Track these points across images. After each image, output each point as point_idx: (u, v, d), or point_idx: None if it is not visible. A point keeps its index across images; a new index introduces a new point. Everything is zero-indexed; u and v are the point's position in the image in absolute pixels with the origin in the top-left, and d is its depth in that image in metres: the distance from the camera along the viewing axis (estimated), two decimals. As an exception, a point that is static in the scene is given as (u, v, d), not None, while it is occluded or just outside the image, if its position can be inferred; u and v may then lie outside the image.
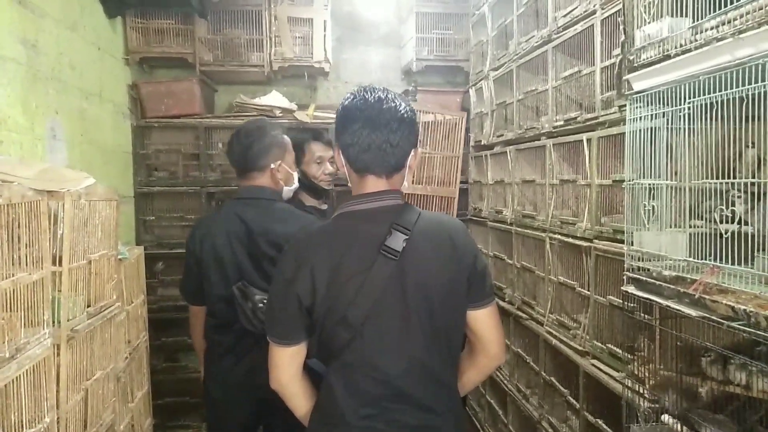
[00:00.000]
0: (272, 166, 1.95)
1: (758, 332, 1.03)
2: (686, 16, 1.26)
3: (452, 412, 1.31)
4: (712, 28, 1.17)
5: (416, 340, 1.24)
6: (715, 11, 1.17)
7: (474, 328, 1.33)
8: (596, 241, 1.85)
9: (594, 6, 1.84)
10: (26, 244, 1.28)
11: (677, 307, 1.25)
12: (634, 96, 1.45)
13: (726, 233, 1.16)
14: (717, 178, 1.25)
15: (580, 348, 1.96)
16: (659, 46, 1.34)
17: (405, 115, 1.28)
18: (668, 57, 1.31)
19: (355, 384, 1.25)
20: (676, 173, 1.36)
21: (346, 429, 1.24)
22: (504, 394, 2.75)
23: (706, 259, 1.21)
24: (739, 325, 1.07)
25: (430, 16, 3.46)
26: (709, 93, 1.18)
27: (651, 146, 1.41)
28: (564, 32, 2.07)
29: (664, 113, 1.35)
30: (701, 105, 1.21)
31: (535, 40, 2.32)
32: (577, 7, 1.97)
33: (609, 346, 1.78)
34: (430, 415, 1.26)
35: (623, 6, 1.56)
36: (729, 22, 1.11)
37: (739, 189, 1.20)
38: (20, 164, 1.51)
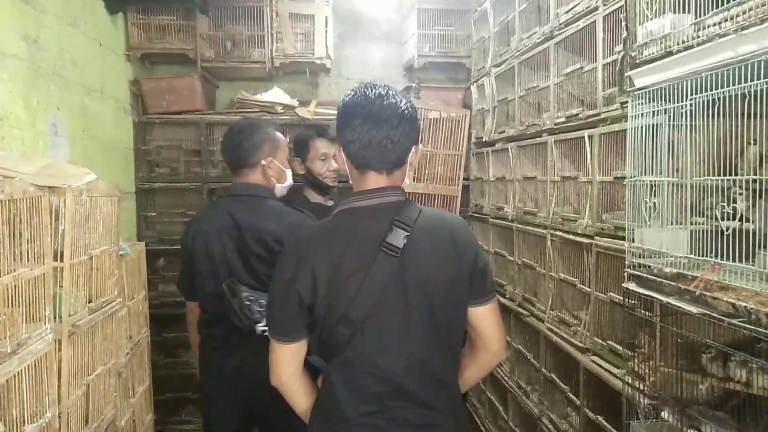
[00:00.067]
0: (263, 162, 1.96)
1: (759, 329, 1.03)
2: (688, 12, 1.26)
3: (453, 409, 1.31)
4: (714, 25, 1.16)
5: (417, 338, 1.24)
6: (717, 7, 1.16)
7: (475, 325, 1.33)
8: (597, 237, 1.85)
9: (596, 2, 1.84)
10: (28, 240, 1.28)
11: (678, 304, 1.24)
12: (636, 92, 1.44)
13: (727, 230, 1.15)
14: (718, 174, 1.25)
15: (581, 345, 1.96)
16: (661, 43, 1.34)
17: (406, 112, 1.28)
18: (670, 53, 1.30)
19: (356, 381, 1.25)
20: (677, 170, 1.36)
21: (347, 426, 1.24)
22: (504, 391, 2.75)
23: (707, 256, 1.21)
24: (739, 322, 1.07)
25: (432, 13, 3.45)
26: (711, 90, 1.18)
27: (652, 143, 1.41)
28: (566, 29, 2.07)
29: (666, 110, 1.35)
30: (703, 102, 1.21)
31: (537, 37, 2.31)
32: (579, 4, 1.96)
33: (609, 342, 1.79)
34: (431, 412, 1.27)
35: (625, 2, 1.56)
36: (731, 18, 1.11)
37: (740, 186, 1.19)
38: (22, 160, 1.51)
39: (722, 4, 1.15)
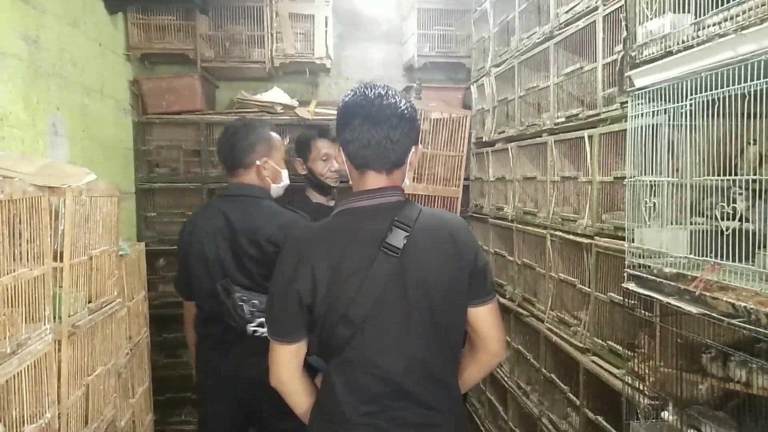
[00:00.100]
0: (258, 163, 1.96)
1: (758, 329, 1.03)
2: (688, 12, 1.26)
3: (453, 409, 1.31)
4: (714, 24, 1.16)
5: (417, 338, 1.24)
6: (717, 7, 1.16)
7: (475, 325, 1.33)
8: (597, 238, 1.85)
9: (596, 2, 1.84)
10: (27, 240, 1.28)
11: (678, 304, 1.24)
12: (636, 92, 1.44)
13: (727, 230, 1.15)
14: (718, 175, 1.25)
15: (581, 345, 1.96)
16: (661, 43, 1.34)
17: (405, 112, 1.28)
18: (670, 53, 1.30)
19: (356, 381, 1.25)
20: (677, 170, 1.36)
21: (347, 426, 1.24)
22: (504, 391, 2.75)
23: (706, 256, 1.21)
24: (739, 322, 1.07)
25: (432, 13, 3.45)
26: (711, 89, 1.18)
27: (652, 143, 1.41)
28: (566, 28, 2.07)
29: (665, 110, 1.35)
30: (703, 102, 1.21)
31: (537, 37, 2.31)
32: (578, 4, 1.96)
33: (609, 343, 1.78)
34: (431, 413, 1.26)
35: (625, 2, 1.56)
36: (731, 18, 1.11)
37: (740, 186, 1.19)
38: (21, 160, 1.51)
39: (722, 4, 1.15)
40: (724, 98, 1.14)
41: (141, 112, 3.22)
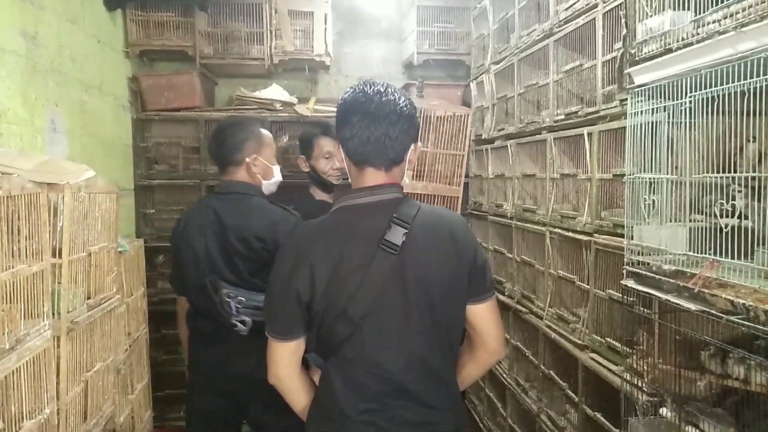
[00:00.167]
0: (247, 160, 1.96)
1: (757, 326, 1.03)
2: (688, 9, 1.26)
3: (452, 407, 1.31)
4: (714, 22, 1.16)
5: (417, 335, 1.24)
6: (717, 4, 1.16)
7: (474, 323, 1.33)
8: (596, 235, 1.85)
9: (596, -1, 1.84)
10: (26, 236, 1.28)
11: (676, 301, 1.25)
12: (636, 90, 1.44)
13: (726, 227, 1.16)
14: (718, 172, 1.25)
15: (580, 342, 1.96)
16: (661, 40, 1.33)
17: (404, 109, 1.27)
18: (670, 50, 1.30)
19: (355, 379, 1.24)
20: (676, 167, 1.36)
21: (346, 423, 1.24)
22: (503, 388, 2.75)
23: (705, 254, 1.21)
24: (738, 319, 1.07)
25: (431, 10, 3.45)
26: (710, 87, 1.18)
27: (652, 140, 1.41)
28: (565, 26, 2.07)
29: (665, 107, 1.35)
30: (702, 99, 1.21)
31: (537, 34, 2.31)
32: (578, 1, 1.96)
33: (608, 339, 1.79)
34: (431, 411, 1.26)
35: (625, -1, 1.56)
36: (731, 15, 1.11)
37: (739, 183, 1.19)
38: (20, 156, 1.51)
39: (722, 2, 1.15)
40: (723, 95, 1.14)
41: (140, 108, 3.21)
